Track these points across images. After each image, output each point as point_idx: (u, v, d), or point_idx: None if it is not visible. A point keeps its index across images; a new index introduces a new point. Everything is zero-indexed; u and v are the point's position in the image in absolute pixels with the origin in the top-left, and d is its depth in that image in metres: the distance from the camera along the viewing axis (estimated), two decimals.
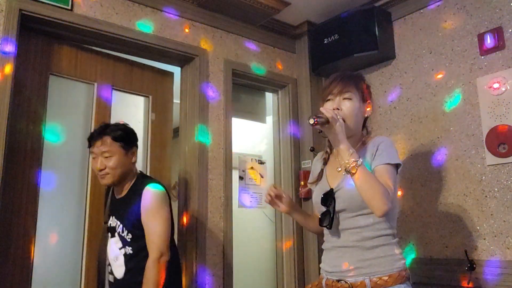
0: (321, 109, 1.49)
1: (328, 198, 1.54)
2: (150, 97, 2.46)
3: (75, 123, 2.18)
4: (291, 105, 2.87)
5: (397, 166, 1.54)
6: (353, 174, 1.42)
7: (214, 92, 2.52)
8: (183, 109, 2.49)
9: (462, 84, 2.22)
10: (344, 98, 1.57)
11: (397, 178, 1.55)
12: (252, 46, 2.75)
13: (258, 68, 2.75)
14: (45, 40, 2.10)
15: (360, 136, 1.65)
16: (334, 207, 1.52)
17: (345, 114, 1.54)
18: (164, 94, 2.53)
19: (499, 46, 2.09)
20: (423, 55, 2.41)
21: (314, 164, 1.81)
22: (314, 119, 1.39)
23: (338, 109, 1.55)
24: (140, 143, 2.36)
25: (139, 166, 2.33)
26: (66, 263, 2.05)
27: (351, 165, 1.41)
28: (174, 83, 2.60)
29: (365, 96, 1.64)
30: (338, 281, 1.51)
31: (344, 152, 1.44)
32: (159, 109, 2.48)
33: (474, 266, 2.03)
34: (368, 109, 1.65)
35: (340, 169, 1.60)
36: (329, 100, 1.60)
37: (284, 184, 2.80)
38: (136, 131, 2.36)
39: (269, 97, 3.03)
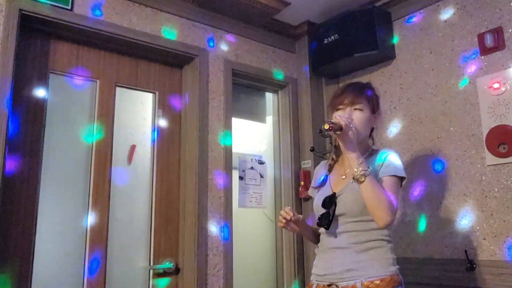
0: (336, 115, 1.51)
1: (330, 201, 1.55)
2: (157, 92, 2.45)
3: (77, 121, 2.17)
4: (291, 105, 2.87)
5: (401, 179, 1.56)
6: (361, 182, 1.44)
7: (214, 92, 2.52)
8: (183, 109, 2.49)
9: (462, 84, 2.22)
10: (355, 109, 1.60)
11: (400, 191, 1.57)
12: (252, 46, 2.75)
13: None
14: (45, 39, 2.10)
15: (367, 145, 1.67)
16: (334, 210, 1.54)
17: (356, 124, 1.56)
18: (172, 90, 2.51)
19: (499, 46, 2.09)
20: (423, 55, 2.41)
21: (317, 171, 1.83)
22: (329, 124, 1.41)
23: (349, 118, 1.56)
24: (146, 140, 2.37)
25: (146, 163, 2.34)
26: (68, 262, 2.04)
27: (360, 173, 1.43)
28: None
29: (375, 107, 1.67)
30: (329, 285, 1.51)
31: (354, 160, 1.46)
32: (166, 105, 2.46)
33: (474, 266, 2.03)
34: (376, 120, 1.68)
35: (344, 177, 1.62)
36: (339, 109, 1.63)
37: (284, 184, 2.81)
38: (142, 128, 2.38)
39: (269, 97, 3.03)
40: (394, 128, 2.49)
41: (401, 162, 1.60)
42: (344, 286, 1.47)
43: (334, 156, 1.75)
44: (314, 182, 1.79)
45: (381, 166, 1.55)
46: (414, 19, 2.47)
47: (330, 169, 1.73)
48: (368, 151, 1.66)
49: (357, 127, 1.54)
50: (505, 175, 2.02)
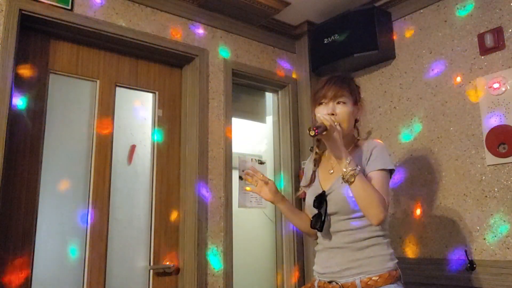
0: (319, 116, 1.50)
1: (320, 201, 1.54)
2: (157, 93, 2.44)
3: (77, 122, 2.17)
4: (291, 105, 2.87)
5: (390, 171, 1.55)
6: (351, 183, 1.42)
7: (214, 92, 2.52)
8: (183, 109, 2.50)
9: (462, 84, 2.22)
10: (338, 102, 1.58)
11: (389, 183, 1.56)
12: (252, 46, 2.75)
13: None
14: (45, 39, 2.10)
15: (352, 137, 1.66)
16: (326, 210, 1.53)
17: (340, 118, 1.54)
18: (172, 90, 2.51)
19: (499, 46, 2.09)
20: (423, 55, 2.41)
21: (306, 166, 1.82)
22: (314, 130, 1.39)
23: (333, 114, 1.55)
24: (146, 140, 2.37)
25: (146, 163, 2.34)
26: (68, 262, 2.04)
27: (349, 174, 1.42)
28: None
29: (357, 98, 1.65)
30: (330, 282, 1.52)
31: (342, 161, 1.45)
32: (166, 105, 2.47)
33: (474, 266, 2.03)
34: (359, 111, 1.66)
35: (332, 171, 1.62)
36: (322, 103, 1.60)
37: (284, 184, 2.80)
38: (142, 128, 2.38)
39: (269, 97, 3.03)
40: (394, 128, 2.49)
41: (387, 153, 1.57)
42: (344, 283, 1.48)
43: (317, 150, 1.73)
44: (304, 180, 1.78)
45: (368, 160, 1.53)
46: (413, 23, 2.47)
47: (316, 164, 1.71)
48: (354, 143, 1.64)
49: (341, 122, 1.52)
50: (505, 175, 2.02)
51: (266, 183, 1.73)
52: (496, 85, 2.07)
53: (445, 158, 2.24)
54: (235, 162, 2.60)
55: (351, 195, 1.47)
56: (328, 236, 1.57)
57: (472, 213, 2.10)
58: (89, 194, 2.11)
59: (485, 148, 2.08)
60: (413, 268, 2.22)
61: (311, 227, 1.57)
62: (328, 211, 1.54)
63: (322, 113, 1.54)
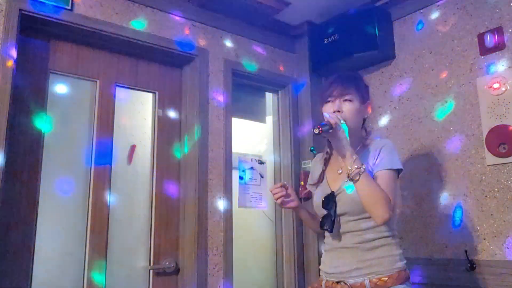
0: (325, 114, 1.50)
1: (329, 201, 1.54)
2: (157, 93, 2.44)
3: (77, 121, 2.17)
4: (291, 105, 2.87)
5: (398, 171, 1.55)
6: (356, 181, 1.42)
7: (214, 92, 2.52)
8: (183, 109, 2.49)
9: (462, 84, 2.22)
10: (345, 100, 1.58)
11: (397, 183, 1.56)
12: (252, 46, 2.75)
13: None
14: (45, 39, 2.10)
15: (360, 137, 1.65)
16: (335, 211, 1.53)
17: (346, 116, 1.54)
18: (172, 90, 2.51)
19: (499, 46, 2.09)
20: (423, 55, 2.41)
21: (313, 165, 1.81)
22: (318, 128, 1.40)
23: (339, 111, 1.55)
24: (146, 140, 2.37)
25: (146, 163, 2.34)
26: (68, 262, 2.04)
27: (354, 172, 1.42)
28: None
29: (365, 97, 1.64)
30: (338, 282, 1.51)
31: (347, 159, 1.45)
32: (166, 105, 2.47)
33: (474, 266, 2.03)
34: (367, 109, 1.66)
35: (340, 171, 1.61)
36: (329, 101, 1.60)
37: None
38: (142, 128, 2.38)
39: (269, 97, 3.02)
40: (394, 128, 2.49)
41: (396, 152, 1.56)
42: (353, 283, 1.48)
43: (328, 150, 1.73)
44: (312, 179, 1.78)
45: (376, 160, 1.53)
46: (421, 25, 2.47)
47: (325, 163, 1.72)
48: (362, 143, 1.63)
49: (347, 119, 1.53)
50: (505, 175, 2.02)
51: (289, 194, 1.72)
52: (496, 85, 2.07)
53: (445, 158, 2.24)
54: (235, 162, 2.60)
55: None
56: (337, 236, 1.57)
57: (472, 213, 2.10)
58: (89, 194, 2.11)
59: (485, 148, 2.08)
60: (413, 268, 2.22)
61: (320, 228, 1.57)
62: (338, 211, 1.54)
63: (329, 111, 1.55)
